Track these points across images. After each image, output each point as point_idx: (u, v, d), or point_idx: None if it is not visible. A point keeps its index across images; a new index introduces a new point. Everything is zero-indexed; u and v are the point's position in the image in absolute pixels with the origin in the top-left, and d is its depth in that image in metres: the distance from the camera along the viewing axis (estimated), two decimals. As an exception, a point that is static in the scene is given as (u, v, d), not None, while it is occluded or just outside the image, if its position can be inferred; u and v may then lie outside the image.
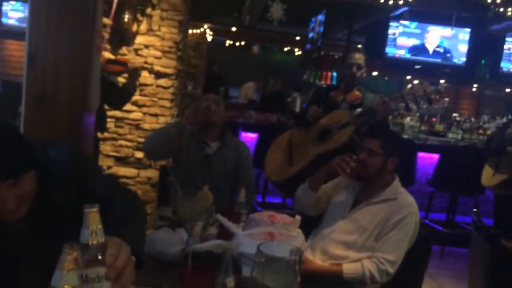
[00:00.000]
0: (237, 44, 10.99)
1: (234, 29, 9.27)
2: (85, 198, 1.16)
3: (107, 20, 3.76)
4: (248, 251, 1.48)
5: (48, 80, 2.24)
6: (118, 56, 3.81)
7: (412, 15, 6.19)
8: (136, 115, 3.94)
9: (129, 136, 3.95)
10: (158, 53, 3.92)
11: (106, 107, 3.41)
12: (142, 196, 4.00)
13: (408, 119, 5.94)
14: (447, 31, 6.34)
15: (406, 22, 6.44)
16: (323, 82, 7.73)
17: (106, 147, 3.91)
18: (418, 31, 6.54)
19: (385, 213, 2.04)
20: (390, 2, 5.11)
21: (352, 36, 7.31)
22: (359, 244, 2.03)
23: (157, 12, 3.88)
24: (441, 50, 6.60)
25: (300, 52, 10.65)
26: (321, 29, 6.88)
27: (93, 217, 0.90)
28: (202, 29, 9.16)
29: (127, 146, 3.95)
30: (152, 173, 3.98)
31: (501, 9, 5.12)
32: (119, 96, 3.30)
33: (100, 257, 0.91)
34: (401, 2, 5.10)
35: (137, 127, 3.96)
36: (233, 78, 9.58)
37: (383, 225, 2.02)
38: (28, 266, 1.21)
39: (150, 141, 2.58)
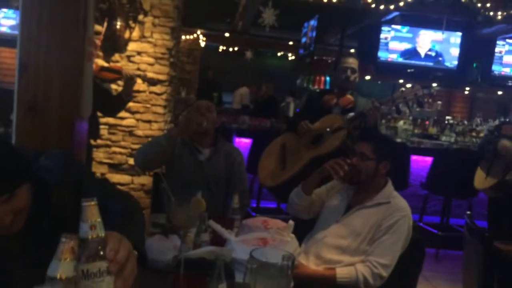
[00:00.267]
0: (231, 49, 11.01)
1: (227, 34, 9.29)
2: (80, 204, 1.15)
3: (99, 27, 3.77)
4: (241, 257, 1.48)
5: (40, 87, 2.24)
6: (112, 64, 3.81)
7: (404, 20, 6.24)
8: (130, 121, 3.93)
9: (122, 143, 3.95)
10: (151, 60, 3.92)
11: (99, 114, 3.41)
12: (136, 203, 3.98)
13: (401, 122, 5.97)
14: (438, 35, 6.39)
15: (398, 27, 6.48)
16: (316, 86, 7.76)
17: (99, 154, 3.90)
18: (410, 35, 6.58)
19: (378, 217, 2.05)
20: (382, 7, 5.14)
21: (344, 40, 7.34)
22: (353, 248, 2.03)
23: (149, 19, 3.88)
24: (433, 54, 6.64)
25: (293, 57, 10.68)
26: (314, 34, 6.91)
27: (91, 211, 0.88)
28: (195, 35, 9.18)
29: (120, 153, 3.94)
30: (146, 180, 3.97)
31: (491, 13, 5.17)
32: (113, 104, 3.30)
33: (101, 252, 0.89)
34: (392, 7, 5.13)
35: (131, 133, 3.95)
36: (227, 84, 9.59)
37: (376, 229, 2.03)
38: (24, 276, 1.20)
39: (141, 155, 2.56)
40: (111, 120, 3.84)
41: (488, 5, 5.17)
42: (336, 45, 7.99)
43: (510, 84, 7.09)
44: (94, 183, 1.38)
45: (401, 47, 6.59)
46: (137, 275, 1.12)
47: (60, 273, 0.81)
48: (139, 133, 3.95)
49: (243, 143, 4.93)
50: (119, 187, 4.12)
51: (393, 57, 6.62)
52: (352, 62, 3.10)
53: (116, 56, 3.87)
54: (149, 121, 3.97)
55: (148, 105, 3.95)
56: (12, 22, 6.61)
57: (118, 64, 3.83)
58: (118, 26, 3.74)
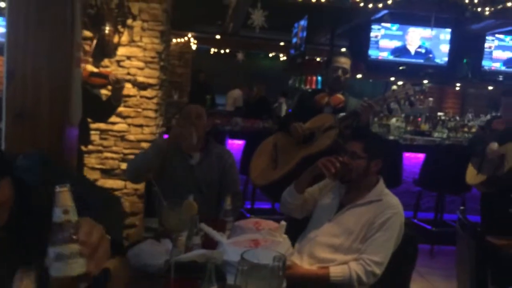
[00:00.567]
0: (222, 51, 11.02)
1: (218, 37, 9.30)
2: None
3: (88, 33, 3.76)
4: (233, 259, 1.48)
5: (28, 95, 2.23)
6: (101, 69, 3.80)
7: (393, 18, 6.27)
8: (121, 126, 3.92)
9: (114, 148, 3.93)
10: (141, 64, 3.91)
11: (89, 120, 3.39)
12: (130, 208, 3.97)
13: (394, 120, 5.99)
14: (427, 32, 6.42)
15: (388, 25, 6.51)
16: (308, 86, 7.78)
17: (91, 160, 3.89)
18: (399, 33, 6.62)
19: (370, 215, 2.05)
20: (370, 6, 5.16)
21: (335, 40, 7.37)
22: (346, 246, 2.04)
23: (138, 23, 3.87)
24: (423, 51, 6.68)
25: (285, 58, 10.71)
26: (304, 34, 6.93)
27: (64, 196, 0.91)
28: (186, 38, 9.18)
29: (112, 158, 3.93)
30: (139, 185, 3.96)
31: (479, 9, 5.20)
32: (103, 109, 3.29)
33: (73, 236, 0.91)
34: (380, 5, 5.15)
35: (122, 138, 3.94)
36: (219, 86, 9.59)
37: (368, 227, 2.03)
38: (7, 276, 1.20)
39: (131, 170, 2.57)
40: (102, 125, 3.82)
41: (476, 1, 5.21)
42: (326, 44, 8.01)
43: (500, 79, 7.15)
44: (73, 179, 1.40)
45: (391, 45, 6.63)
46: (130, 279, 1.13)
47: None
48: (131, 137, 3.94)
49: (236, 144, 4.94)
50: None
51: (383, 55, 6.65)
52: (344, 62, 3.07)
53: (106, 61, 3.86)
54: (140, 126, 3.95)
55: (139, 110, 3.94)
56: (1, 30, 6.58)
57: (108, 69, 3.82)
58: (107, 31, 3.73)
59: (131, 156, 3.92)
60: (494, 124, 4.74)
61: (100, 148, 3.90)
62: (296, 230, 2.26)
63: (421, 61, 6.73)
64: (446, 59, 6.72)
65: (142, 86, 3.92)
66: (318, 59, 8.92)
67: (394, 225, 2.02)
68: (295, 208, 2.31)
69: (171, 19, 4.42)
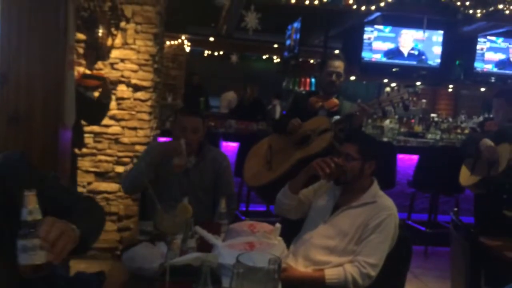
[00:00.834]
0: (216, 53, 11.02)
1: (211, 39, 9.29)
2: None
3: (81, 35, 3.74)
4: (228, 262, 1.48)
5: (21, 98, 2.23)
6: (94, 71, 3.79)
7: (385, 20, 6.29)
8: (115, 129, 3.91)
9: (108, 151, 3.91)
10: (134, 67, 3.90)
11: (83, 123, 3.38)
12: (124, 211, 3.96)
13: (387, 121, 6.02)
14: (420, 34, 6.46)
15: (381, 27, 6.54)
16: (302, 88, 7.79)
17: (85, 163, 3.87)
18: (392, 35, 6.65)
19: (365, 217, 2.06)
20: (363, 8, 5.18)
21: (328, 42, 7.39)
22: (341, 248, 2.04)
23: (132, 26, 3.86)
24: (416, 53, 6.72)
25: (279, 60, 10.72)
26: (298, 36, 6.94)
27: (30, 199, 1.12)
28: (180, 40, 9.16)
29: (106, 161, 3.91)
30: (133, 187, 3.94)
31: (471, 11, 5.24)
32: (95, 110, 3.28)
33: (36, 232, 1.12)
34: (373, 8, 5.18)
35: (116, 141, 3.92)
36: (213, 88, 9.58)
37: (363, 229, 2.04)
38: None
39: (127, 186, 2.56)
40: (96, 128, 3.81)
41: (468, 3, 5.25)
42: (320, 46, 8.03)
43: (492, 80, 7.20)
44: (58, 187, 1.51)
45: (384, 47, 6.65)
46: (125, 282, 1.14)
47: None
48: (125, 140, 3.92)
49: (230, 147, 4.93)
50: (106, 195, 4.10)
51: (377, 57, 6.68)
52: (338, 66, 3.08)
53: (99, 64, 3.84)
54: (134, 128, 3.94)
55: (133, 112, 3.92)
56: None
57: (101, 72, 3.80)
58: (100, 34, 3.72)
59: (126, 159, 3.92)
60: (486, 126, 4.78)
61: (94, 151, 3.89)
62: (291, 232, 2.26)
63: (414, 63, 6.76)
64: (438, 61, 6.76)
65: (136, 89, 3.91)
66: (312, 61, 8.93)
67: (388, 227, 2.03)
68: (290, 209, 2.31)
69: (164, 21, 4.42)
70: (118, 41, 3.84)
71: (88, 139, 3.82)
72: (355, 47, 6.68)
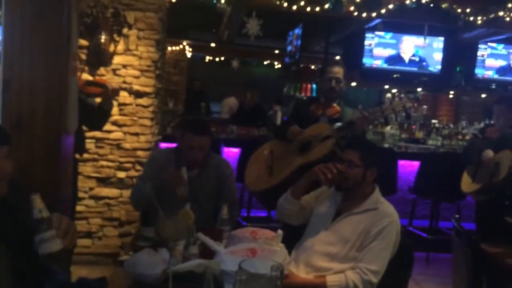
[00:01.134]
0: (217, 59, 11.05)
1: (213, 44, 9.32)
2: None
3: (84, 42, 3.76)
4: (230, 269, 1.48)
5: (24, 104, 2.23)
6: (96, 77, 3.80)
7: (386, 26, 6.31)
8: (117, 135, 3.92)
9: (110, 157, 3.92)
10: (137, 73, 3.91)
11: (84, 128, 3.39)
12: (126, 216, 3.96)
13: (388, 127, 6.01)
14: (421, 40, 6.47)
15: (382, 33, 6.55)
16: (303, 94, 7.81)
17: (87, 168, 3.87)
18: (393, 41, 6.66)
19: (366, 224, 2.06)
20: (364, 15, 5.20)
21: (329, 48, 7.40)
22: (342, 255, 2.04)
23: (134, 32, 3.88)
24: (417, 59, 6.73)
25: (280, 65, 10.74)
26: (299, 42, 6.96)
27: (37, 200, 1.35)
28: (181, 46, 9.20)
29: (108, 167, 3.92)
30: (135, 193, 3.95)
31: (471, 18, 5.26)
32: (96, 117, 3.29)
33: (49, 225, 1.35)
34: (374, 14, 5.19)
35: (118, 147, 3.93)
36: (214, 93, 9.60)
37: (365, 236, 2.04)
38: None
39: (134, 203, 2.77)
40: (98, 133, 3.82)
41: (468, 10, 5.26)
42: (321, 52, 8.05)
43: (493, 87, 7.20)
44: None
45: (385, 53, 6.67)
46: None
47: None
48: (127, 146, 3.93)
49: (232, 152, 4.94)
50: (108, 201, 4.11)
51: (378, 63, 6.69)
52: (337, 72, 3.11)
53: (102, 70, 3.86)
54: (136, 134, 3.95)
55: (135, 118, 3.93)
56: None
57: (104, 78, 3.82)
58: (102, 40, 3.74)
59: (128, 165, 3.93)
60: (487, 132, 4.79)
61: (95, 156, 3.89)
62: (292, 239, 2.26)
63: (415, 69, 6.77)
64: (439, 67, 6.77)
65: (138, 95, 3.92)
66: (312, 67, 8.96)
67: (390, 234, 2.03)
68: (292, 214, 2.31)
69: (166, 27, 4.44)
70: (120, 47, 3.86)
71: (90, 145, 3.83)
72: (356, 53, 6.69)
